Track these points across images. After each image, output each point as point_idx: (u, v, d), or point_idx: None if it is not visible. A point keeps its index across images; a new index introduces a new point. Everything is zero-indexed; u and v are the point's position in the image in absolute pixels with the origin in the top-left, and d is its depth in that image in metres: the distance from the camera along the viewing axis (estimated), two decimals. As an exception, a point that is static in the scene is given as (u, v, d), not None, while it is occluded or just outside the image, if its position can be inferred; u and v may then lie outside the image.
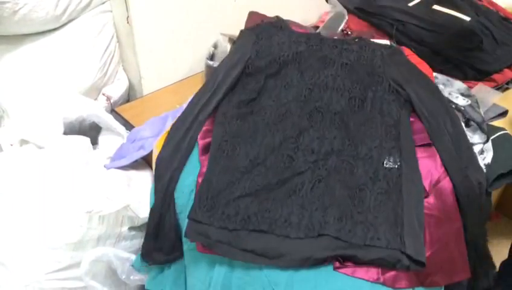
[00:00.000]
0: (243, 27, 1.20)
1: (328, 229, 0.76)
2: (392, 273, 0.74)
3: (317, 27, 1.38)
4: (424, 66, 1.08)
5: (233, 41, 1.25)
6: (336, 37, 1.12)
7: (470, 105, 1.03)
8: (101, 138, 1.17)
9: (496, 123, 1.07)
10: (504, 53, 1.31)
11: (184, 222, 0.83)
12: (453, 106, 1.02)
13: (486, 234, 0.89)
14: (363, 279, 0.74)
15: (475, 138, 0.97)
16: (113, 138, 1.15)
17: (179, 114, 0.96)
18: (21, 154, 1.03)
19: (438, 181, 0.84)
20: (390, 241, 0.75)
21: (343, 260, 0.75)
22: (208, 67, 1.31)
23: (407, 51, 1.10)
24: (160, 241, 0.89)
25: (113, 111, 1.29)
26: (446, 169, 0.86)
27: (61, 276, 0.96)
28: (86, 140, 1.08)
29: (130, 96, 1.42)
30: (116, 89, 1.34)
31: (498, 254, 1.00)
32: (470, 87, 1.14)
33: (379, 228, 0.76)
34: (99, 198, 0.95)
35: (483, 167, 0.91)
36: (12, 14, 1.09)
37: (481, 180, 0.85)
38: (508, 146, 0.98)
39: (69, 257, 0.96)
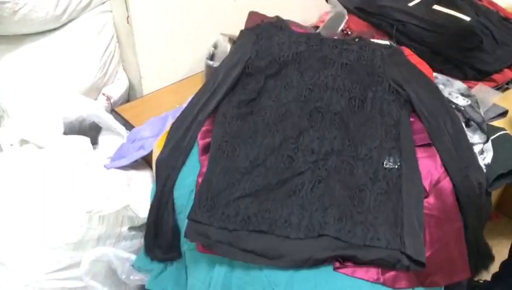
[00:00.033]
0: (243, 27, 1.20)
1: (328, 230, 0.76)
2: (392, 273, 0.74)
3: (317, 27, 1.38)
4: (424, 66, 1.08)
5: (233, 41, 1.25)
6: (335, 37, 1.12)
7: (470, 105, 1.03)
8: (101, 138, 1.17)
9: (496, 123, 1.07)
10: (504, 53, 1.31)
11: (184, 222, 0.83)
12: (453, 106, 1.02)
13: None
14: (363, 279, 0.74)
15: (475, 138, 0.97)
16: (113, 138, 1.15)
17: (178, 114, 0.96)
18: (21, 154, 1.03)
19: (438, 181, 0.84)
20: (390, 242, 0.75)
21: (343, 260, 0.75)
22: (208, 67, 1.31)
23: (407, 51, 1.10)
24: (159, 239, 0.90)
25: (113, 111, 1.29)
26: (446, 169, 0.86)
27: (61, 276, 0.96)
28: (86, 140, 1.08)
29: (130, 96, 1.42)
30: (116, 89, 1.34)
31: (498, 254, 1.00)
32: (470, 87, 1.14)
33: (379, 228, 0.76)
34: (99, 198, 0.95)
35: (483, 167, 0.90)
36: (12, 14, 1.09)
37: (481, 180, 0.85)
38: (508, 146, 0.98)
39: (69, 257, 0.96)
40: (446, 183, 0.84)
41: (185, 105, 0.98)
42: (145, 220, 0.98)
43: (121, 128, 1.16)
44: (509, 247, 1.22)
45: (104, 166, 1.06)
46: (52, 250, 0.95)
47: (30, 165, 0.99)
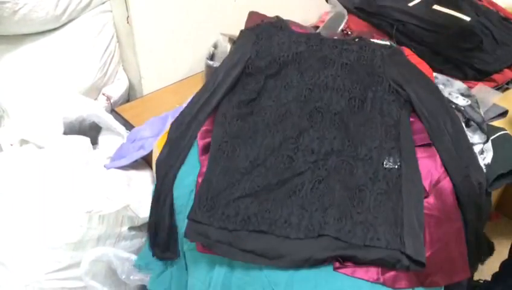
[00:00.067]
0: (243, 27, 1.20)
1: (327, 230, 0.76)
2: (392, 273, 0.74)
3: (317, 27, 1.38)
4: (424, 66, 1.08)
5: (233, 41, 1.25)
6: (335, 37, 1.12)
7: (470, 105, 1.03)
8: (101, 138, 1.17)
9: (496, 123, 1.07)
10: (504, 53, 1.31)
11: (184, 222, 0.83)
12: (453, 106, 1.02)
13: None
14: (363, 279, 0.74)
15: (475, 138, 0.97)
16: (113, 138, 1.15)
17: (178, 114, 0.96)
18: (21, 154, 1.03)
19: (438, 181, 0.84)
20: (390, 242, 0.75)
21: (343, 260, 0.75)
22: (208, 67, 1.31)
23: (407, 51, 1.10)
24: (157, 238, 0.90)
25: (113, 111, 1.29)
26: (446, 169, 0.86)
27: (61, 276, 0.97)
28: (86, 140, 1.08)
29: (130, 96, 1.42)
30: (116, 89, 1.34)
31: (498, 254, 1.00)
32: (470, 87, 1.14)
33: (379, 228, 0.76)
34: (99, 198, 0.95)
35: (483, 167, 0.90)
36: (12, 14, 1.09)
37: (481, 180, 0.85)
38: (508, 146, 0.98)
39: (69, 257, 0.96)
40: (446, 183, 0.84)
41: (185, 105, 0.98)
42: (145, 220, 0.98)
43: (121, 128, 1.16)
44: (509, 247, 1.22)
45: (104, 166, 1.06)
46: (52, 250, 0.95)
47: (30, 165, 0.99)
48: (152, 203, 0.90)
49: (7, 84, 1.16)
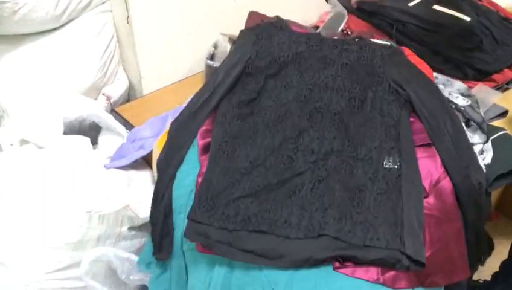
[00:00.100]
0: (243, 27, 1.20)
1: (327, 230, 0.76)
2: (392, 273, 0.74)
3: (317, 27, 1.38)
4: (424, 66, 1.08)
5: (233, 41, 1.25)
6: (335, 37, 1.12)
7: (470, 105, 1.03)
8: (101, 138, 1.17)
9: (496, 123, 1.07)
10: (504, 53, 1.31)
11: (183, 222, 0.83)
12: (453, 106, 1.02)
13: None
14: (363, 279, 0.74)
15: (475, 138, 0.97)
16: (113, 138, 1.15)
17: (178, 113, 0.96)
18: (21, 154, 1.03)
19: (438, 181, 0.84)
20: (389, 242, 0.75)
21: (343, 260, 0.75)
22: (208, 67, 1.31)
23: (407, 51, 1.10)
24: (153, 237, 0.90)
25: (113, 111, 1.29)
26: (446, 169, 0.86)
27: (61, 276, 0.97)
28: (86, 140, 1.08)
29: (130, 96, 1.42)
30: (116, 89, 1.34)
31: (498, 254, 1.00)
32: (470, 88, 1.14)
33: (378, 228, 0.76)
34: (99, 198, 0.95)
35: (483, 167, 0.90)
36: (12, 14, 1.09)
37: (481, 180, 0.85)
38: (508, 146, 0.98)
39: (69, 257, 0.96)
40: (446, 183, 0.84)
41: (185, 105, 0.98)
42: (145, 220, 0.98)
43: (121, 128, 1.16)
44: (509, 247, 1.22)
45: (104, 166, 1.06)
46: (52, 250, 0.95)
47: (30, 165, 0.99)
48: (151, 203, 0.90)
49: (7, 84, 1.16)
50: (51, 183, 0.97)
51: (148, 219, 0.92)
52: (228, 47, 1.32)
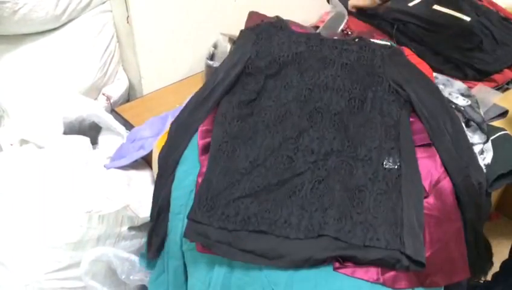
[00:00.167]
0: (243, 27, 1.20)
1: (327, 230, 0.76)
2: (392, 273, 0.74)
3: (317, 27, 1.38)
4: (424, 66, 1.08)
5: (233, 41, 1.26)
6: (335, 38, 1.12)
7: (470, 105, 1.03)
8: (101, 138, 1.17)
9: (496, 123, 1.07)
10: (504, 53, 1.31)
11: (183, 222, 0.83)
12: (453, 106, 1.02)
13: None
14: (363, 279, 0.74)
15: (475, 138, 0.97)
16: (113, 138, 1.15)
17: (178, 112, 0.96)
18: (21, 154, 1.03)
19: (437, 181, 0.84)
20: (389, 242, 0.75)
21: (343, 260, 0.75)
22: (208, 67, 1.31)
23: (407, 51, 1.10)
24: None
25: (113, 111, 1.29)
26: (446, 169, 0.86)
27: (61, 276, 0.97)
28: (86, 140, 1.08)
29: (130, 96, 1.42)
30: (116, 89, 1.34)
31: (498, 254, 1.00)
32: (470, 88, 1.14)
33: (378, 228, 0.76)
34: (99, 198, 0.95)
35: (483, 167, 0.90)
36: (12, 14, 1.10)
37: (481, 181, 0.85)
38: (508, 146, 0.98)
39: (68, 257, 0.96)
40: (446, 183, 0.84)
41: (184, 104, 0.98)
42: (145, 220, 0.98)
43: (121, 128, 1.16)
44: (509, 247, 1.22)
45: (104, 166, 1.06)
46: (52, 250, 0.95)
47: (30, 165, 0.99)
48: (152, 202, 0.90)
49: (7, 84, 1.16)
50: (51, 183, 0.97)
51: (148, 219, 0.92)
52: (228, 47, 1.32)
